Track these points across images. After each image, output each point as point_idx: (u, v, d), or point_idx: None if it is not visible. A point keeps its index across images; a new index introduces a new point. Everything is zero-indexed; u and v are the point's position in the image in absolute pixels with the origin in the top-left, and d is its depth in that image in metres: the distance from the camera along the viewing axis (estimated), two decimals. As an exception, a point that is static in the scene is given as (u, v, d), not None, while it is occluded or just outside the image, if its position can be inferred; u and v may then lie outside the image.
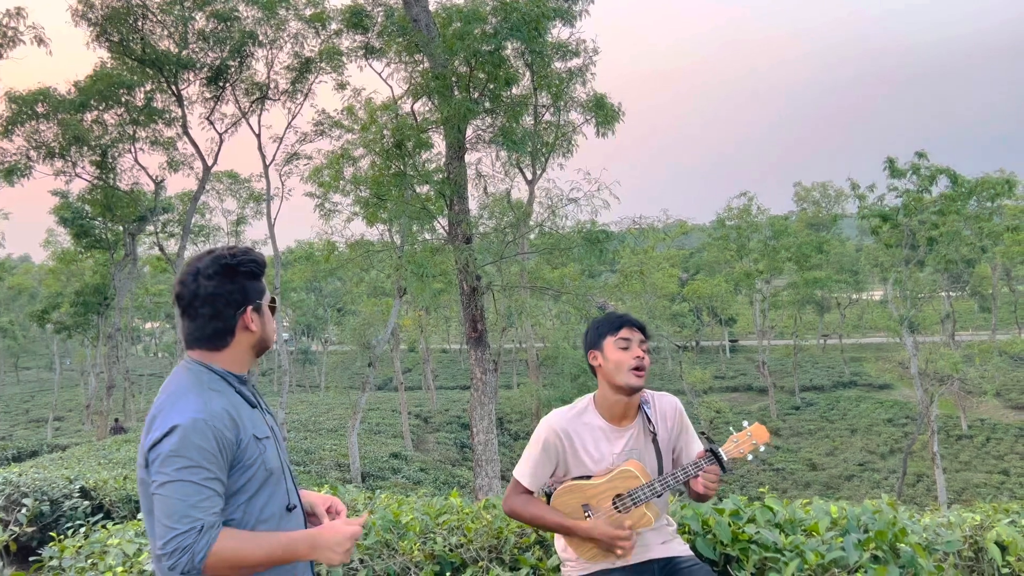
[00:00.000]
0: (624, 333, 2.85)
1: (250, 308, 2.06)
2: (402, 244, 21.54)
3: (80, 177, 29.02)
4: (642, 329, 2.90)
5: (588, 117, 25.22)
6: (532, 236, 20.60)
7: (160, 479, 1.84)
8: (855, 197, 30.83)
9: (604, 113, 24.78)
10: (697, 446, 2.99)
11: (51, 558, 3.31)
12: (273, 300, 2.17)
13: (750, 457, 2.74)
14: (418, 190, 16.02)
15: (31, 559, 3.34)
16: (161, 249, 33.66)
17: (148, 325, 68.64)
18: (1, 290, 59.26)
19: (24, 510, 3.91)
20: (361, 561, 3.35)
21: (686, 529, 3.14)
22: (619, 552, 2.73)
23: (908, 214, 29.58)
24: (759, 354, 56.54)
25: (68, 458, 17.08)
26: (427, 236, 17.32)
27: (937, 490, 30.06)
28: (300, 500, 2.22)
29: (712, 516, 3.16)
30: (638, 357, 2.81)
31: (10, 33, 23.43)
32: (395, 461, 29.25)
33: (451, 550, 3.30)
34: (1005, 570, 2.99)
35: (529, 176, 28.86)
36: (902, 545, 2.84)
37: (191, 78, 27.13)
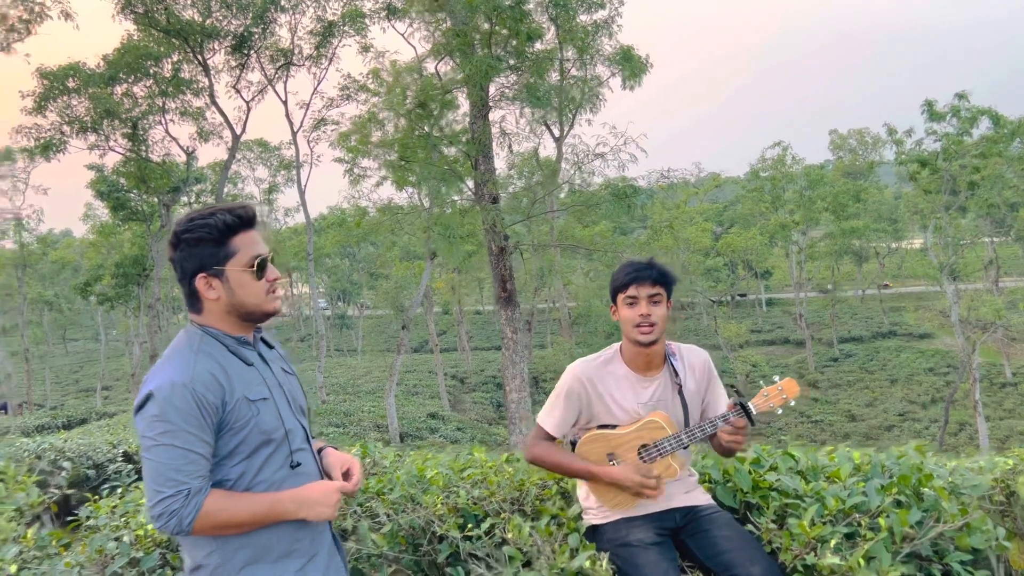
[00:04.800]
0: (631, 291, 2.82)
1: (202, 275, 2.01)
2: (431, 206, 21.57)
3: (113, 150, 29.37)
4: (657, 279, 2.83)
5: (615, 70, 24.75)
6: (562, 195, 20.43)
7: (145, 443, 1.85)
8: (892, 143, 30.06)
9: (631, 65, 24.28)
10: (725, 399, 2.97)
11: (88, 517, 3.41)
12: (256, 262, 2.04)
13: (779, 411, 2.72)
14: (445, 151, 15.93)
15: (68, 519, 3.45)
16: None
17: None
18: (45, 264, 60.61)
19: (64, 473, 4.07)
20: (387, 515, 3.40)
21: (707, 478, 3.14)
22: (646, 495, 2.75)
23: (948, 158, 28.78)
24: (796, 306, 55.93)
25: (115, 425, 17.63)
26: (456, 198, 17.27)
27: (979, 438, 29.70)
28: (316, 459, 2.21)
29: (733, 465, 3.15)
30: (642, 315, 2.79)
31: (37, 8, 23.62)
32: (432, 421, 29.66)
33: (474, 503, 3.33)
34: (1036, 513, 2.94)
35: (557, 133, 28.54)
36: (926, 489, 2.81)
37: (216, 47, 27.17)
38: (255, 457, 1.99)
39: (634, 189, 14.02)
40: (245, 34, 26.52)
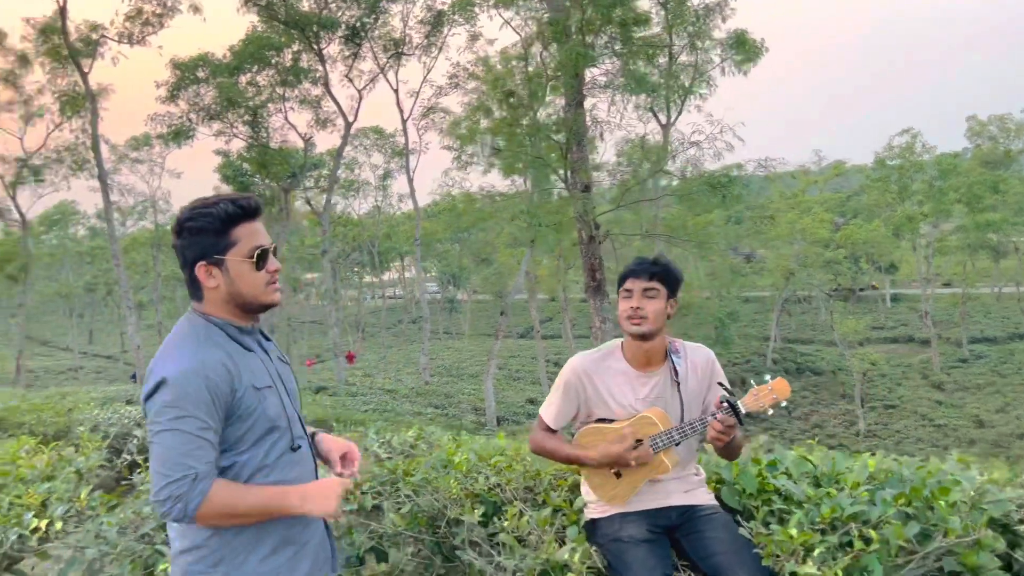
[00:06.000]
0: (627, 284, 2.87)
1: (202, 263, 2.03)
2: (533, 193, 21.71)
3: (236, 137, 30.98)
4: (654, 275, 2.85)
5: (728, 55, 23.96)
6: (675, 182, 20.09)
7: (155, 428, 1.88)
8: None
9: (745, 50, 23.45)
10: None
11: (142, 482, 3.70)
12: (257, 253, 2.05)
13: (770, 411, 2.67)
14: (543, 139, 15.95)
15: (122, 482, 3.75)
16: (308, 204, 35.50)
17: (308, 276, 73.15)
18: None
19: (135, 440, 4.43)
20: (407, 496, 3.53)
21: (715, 478, 3.09)
22: (633, 464, 2.74)
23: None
24: (923, 303, 52.83)
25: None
26: (562, 185, 17.27)
27: (1123, 453, 27.28)
28: (311, 443, 2.26)
29: (748, 466, 3.08)
30: (633, 307, 2.81)
31: (170, 3, 25.24)
32: (530, 406, 29.93)
33: (489, 490, 3.40)
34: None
35: (663, 120, 27.97)
36: (940, 503, 2.66)
37: (331, 37, 28.16)
38: (262, 444, 2.03)
39: (729, 179, 13.64)
40: (358, 24, 27.36)
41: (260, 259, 2.06)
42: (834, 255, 50.88)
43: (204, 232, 2.02)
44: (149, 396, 1.92)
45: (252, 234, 2.06)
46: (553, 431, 3.01)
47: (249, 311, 2.12)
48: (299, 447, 2.13)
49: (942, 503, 2.58)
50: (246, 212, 2.06)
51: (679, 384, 2.87)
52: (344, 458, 2.30)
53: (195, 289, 2.08)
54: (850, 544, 2.49)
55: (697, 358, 2.94)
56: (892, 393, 43.46)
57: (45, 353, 69.24)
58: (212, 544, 1.99)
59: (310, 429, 2.39)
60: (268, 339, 2.27)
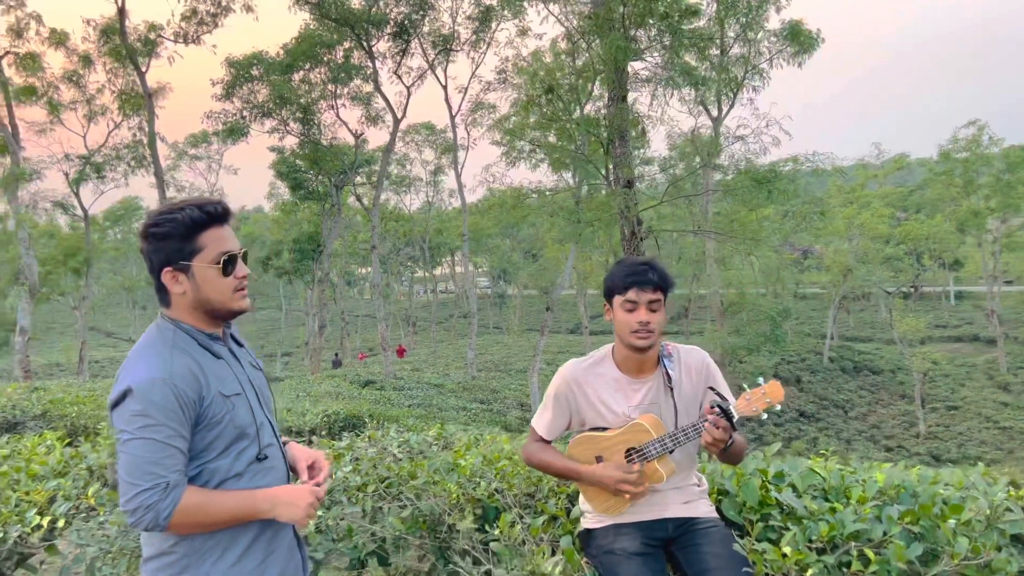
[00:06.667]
0: (631, 295, 2.72)
1: (168, 269, 2.01)
2: (578, 189, 21.54)
3: (289, 134, 31.46)
4: (657, 285, 2.73)
5: (782, 46, 23.41)
6: (728, 176, 19.78)
7: (123, 436, 1.87)
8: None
9: (800, 41, 22.88)
10: (730, 400, 2.82)
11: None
12: (224, 257, 2.04)
13: (764, 416, 2.56)
14: (594, 133, 15.76)
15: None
16: (358, 199, 35.82)
17: (361, 270, 74.11)
18: (238, 237, 66.19)
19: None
20: (409, 500, 3.49)
21: (721, 489, 2.97)
22: (627, 496, 2.66)
23: None
24: (988, 301, 50.93)
25: (275, 390, 19.01)
26: (607, 180, 17.10)
27: None
28: (283, 452, 2.24)
29: (752, 477, 2.95)
30: (641, 321, 2.69)
31: (224, 2, 25.73)
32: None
33: (490, 495, 3.34)
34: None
35: (714, 114, 27.48)
36: (951, 521, 2.51)
37: (380, 34, 28.36)
38: (230, 451, 2.02)
39: (774, 174, 13.30)
40: (406, 21, 27.50)
41: (227, 265, 2.04)
42: (894, 251, 49.39)
43: (169, 238, 2.00)
44: (116, 404, 1.91)
45: (219, 240, 2.04)
46: (547, 442, 2.93)
47: (217, 317, 2.10)
48: (265, 457, 2.10)
49: (951, 522, 2.42)
50: (212, 218, 2.04)
51: (672, 389, 2.76)
52: (311, 468, 2.27)
53: (163, 295, 2.07)
54: (848, 565, 2.36)
55: (691, 361, 2.83)
56: (955, 394, 42.02)
57: (110, 344, 71.67)
58: (178, 551, 1.98)
59: (282, 438, 2.36)
60: (241, 344, 2.26)
